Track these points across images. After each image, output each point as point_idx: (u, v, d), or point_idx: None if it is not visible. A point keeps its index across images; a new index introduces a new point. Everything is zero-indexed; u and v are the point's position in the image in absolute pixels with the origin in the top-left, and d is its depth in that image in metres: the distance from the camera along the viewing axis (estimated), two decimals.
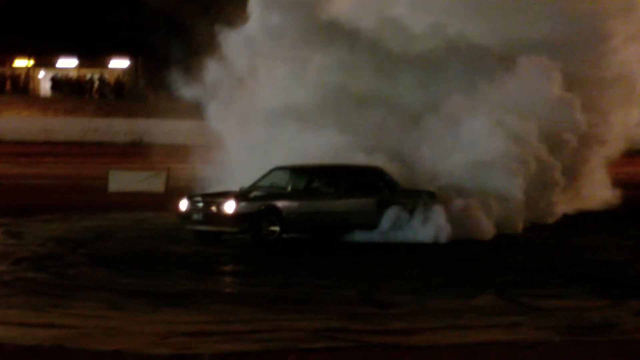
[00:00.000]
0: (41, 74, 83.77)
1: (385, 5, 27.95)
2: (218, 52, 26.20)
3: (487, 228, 23.20)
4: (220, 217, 21.19)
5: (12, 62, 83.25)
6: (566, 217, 26.28)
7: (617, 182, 30.27)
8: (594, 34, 29.20)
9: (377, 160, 23.92)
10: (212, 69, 26.19)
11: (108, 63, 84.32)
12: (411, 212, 22.55)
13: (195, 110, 27.49)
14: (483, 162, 24.79)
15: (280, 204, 21.53)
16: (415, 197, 22.87)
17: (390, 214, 22.40)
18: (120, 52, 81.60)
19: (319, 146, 24.38)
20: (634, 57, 30.39)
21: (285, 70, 26.52)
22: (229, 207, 21.13)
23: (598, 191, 29.58)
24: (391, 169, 23.61)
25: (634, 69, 30.53)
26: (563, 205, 26.66)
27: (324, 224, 22.18)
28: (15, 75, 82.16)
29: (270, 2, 26.41)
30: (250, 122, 26.28)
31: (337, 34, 26.54)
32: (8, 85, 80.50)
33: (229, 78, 26.36)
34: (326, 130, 25.19)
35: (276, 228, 21.36)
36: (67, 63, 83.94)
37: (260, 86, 26.63)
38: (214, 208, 21.27)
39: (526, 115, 25.90)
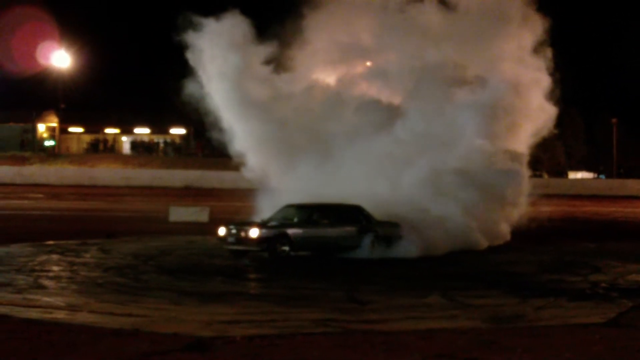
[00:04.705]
0: (124, 138, 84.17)
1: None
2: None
3: (439, 246, 23.05)
4: (247, 239, 21.01)
5: (104, 130, 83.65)
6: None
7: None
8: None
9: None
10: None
11: (169, 131, 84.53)
12: (381, 237, 22.50)
13: (230, 164, 27.16)
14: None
15: (289, 230, 21.35)
16: (385, 226, 22.73)
17: (367, 239, 22.33)
18: (178, 123, 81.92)
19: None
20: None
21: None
22: (254, 232, 20.99)
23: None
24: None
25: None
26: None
27: (320, 245, 21.96)
28: (106, 140, 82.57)
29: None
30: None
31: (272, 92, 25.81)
32: (101, 147, 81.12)
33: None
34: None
35: (286, 248, 21.15)
36: (142, 131, 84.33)
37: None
38: (243, 233, 21.10)
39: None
